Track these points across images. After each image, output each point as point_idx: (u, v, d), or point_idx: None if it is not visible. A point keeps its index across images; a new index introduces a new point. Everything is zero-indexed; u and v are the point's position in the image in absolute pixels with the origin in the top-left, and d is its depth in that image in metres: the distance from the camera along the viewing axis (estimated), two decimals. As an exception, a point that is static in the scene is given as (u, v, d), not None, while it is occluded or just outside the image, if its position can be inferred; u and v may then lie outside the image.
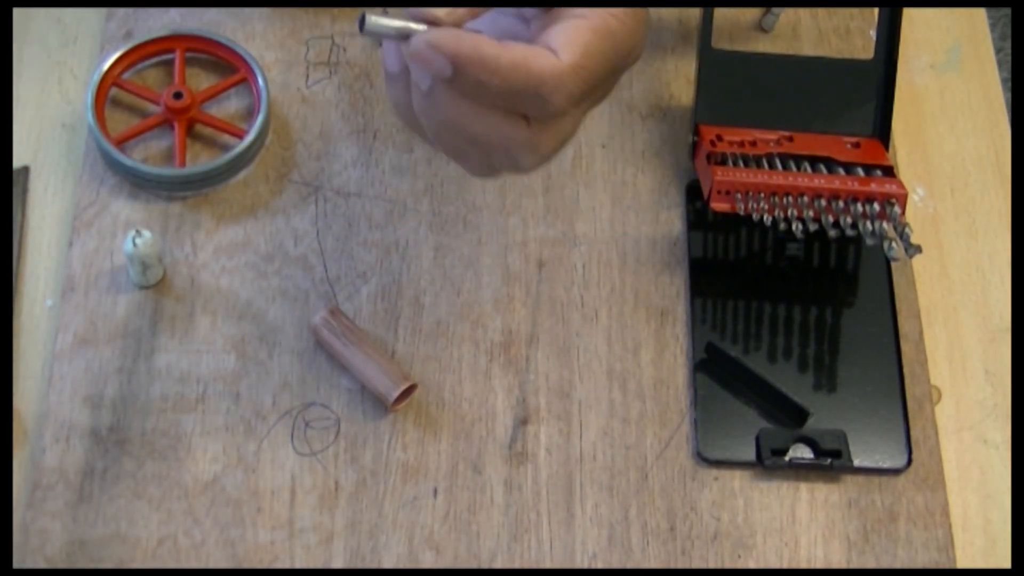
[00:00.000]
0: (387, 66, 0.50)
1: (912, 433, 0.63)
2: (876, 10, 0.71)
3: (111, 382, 0.63)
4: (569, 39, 0.48)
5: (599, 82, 0.49)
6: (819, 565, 0.61)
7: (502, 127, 0.49)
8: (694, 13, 0.75)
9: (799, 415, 0.63)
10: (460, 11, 0.48)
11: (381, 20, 0.48)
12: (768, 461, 0.62)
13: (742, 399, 0.64)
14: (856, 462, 0.62)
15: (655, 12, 0.76)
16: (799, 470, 0.62)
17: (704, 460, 0.62)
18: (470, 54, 0.46)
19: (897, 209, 0.63)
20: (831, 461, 0.62)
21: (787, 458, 0.62)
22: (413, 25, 0.47)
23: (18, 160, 0.69)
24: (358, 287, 0.66)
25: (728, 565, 0.60)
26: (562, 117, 0.49)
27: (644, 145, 0.72)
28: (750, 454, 0.62)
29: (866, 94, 0.69)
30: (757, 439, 0.63)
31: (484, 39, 0.47)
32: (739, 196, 0.64)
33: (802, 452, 0.63)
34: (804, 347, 0.66)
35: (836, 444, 0.62)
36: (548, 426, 0.63)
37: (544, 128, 0.49)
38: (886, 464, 0.63)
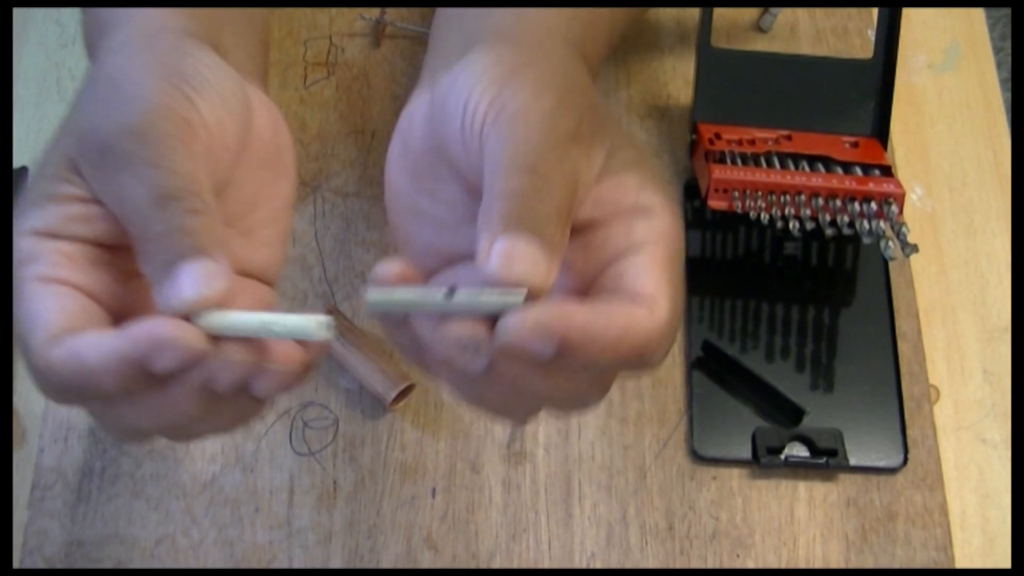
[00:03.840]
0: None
1: (910, 432, 0.63)
2: (874, 10, 0.71)
3: (109, 382, 0.63)
4: (657, 282, 0.41)
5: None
6: (818, 564, 0.60)
7: (579, 383, 0.41)
8: (692, 14, 0.75)
9: (795, 414, 0.63)
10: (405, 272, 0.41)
11: (393, 295, 0.39)
12: (764, 459, 0.62)
13: (739, 397, 0.64)
14: (852, 461, 0.62)
15: (653, 13, 0.76)
16: (797, 469, 0.62)
17: (699, 458, 0.62)
18: (581, 335, 0.38)
19: (895, 208, 0.62)
20: (827, 460, 0.62)
21: (783, 456, 0.62)
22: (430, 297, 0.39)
23: (17, 160, 0.69)
24: (356, 287, 0.66)
25: (727, 564, 0.60)
26: None
27: (642, 145, 0.71)
28: (746, 452, 0.62)
29: (864, 93, 0.69)
30: (753, 437, 0.63)
31: (589, 311, 0.39)
32: (737, 194, 0.64)
33: (798, 451, 0.63)
34: (801, 346, 0.66)
35: (832, 443, 0.62)
36: (546, 425, 0.63)
37: None
38: (882, 463, 0.62)
